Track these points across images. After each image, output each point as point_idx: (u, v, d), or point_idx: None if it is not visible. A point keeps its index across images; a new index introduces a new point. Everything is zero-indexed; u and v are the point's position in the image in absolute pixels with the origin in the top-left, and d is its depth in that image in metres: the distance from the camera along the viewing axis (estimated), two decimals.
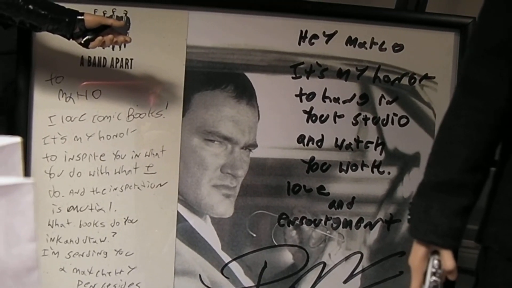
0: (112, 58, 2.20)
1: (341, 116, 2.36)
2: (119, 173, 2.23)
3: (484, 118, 1.38)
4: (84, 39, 1.89)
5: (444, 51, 2.41)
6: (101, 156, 2.22)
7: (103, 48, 1.97)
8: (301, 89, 2.33)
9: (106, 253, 2.26)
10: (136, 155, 2.24)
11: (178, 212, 2.29)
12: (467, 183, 1.39)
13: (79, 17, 1.86)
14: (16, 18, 1.82)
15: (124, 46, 2.12)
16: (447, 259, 1.40)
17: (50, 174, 2.19)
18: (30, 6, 1.81)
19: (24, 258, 0.95)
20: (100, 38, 1.90)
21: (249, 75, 2.30)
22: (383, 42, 2.36)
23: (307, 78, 2.33)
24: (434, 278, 1.41)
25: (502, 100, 1.37)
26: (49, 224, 2.21)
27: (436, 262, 1.42)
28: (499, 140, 1.43)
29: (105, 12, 2.15)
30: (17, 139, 0.96)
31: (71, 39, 1.90)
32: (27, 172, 2.18)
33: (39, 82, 2.17)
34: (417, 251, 1.43)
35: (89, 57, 2.17)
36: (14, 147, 0.96)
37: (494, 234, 1.44)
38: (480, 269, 1.50)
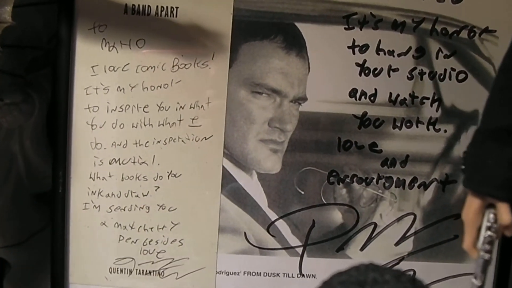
0: (157, 7, 2.12)
1: (395, 70, 2.24)
2: (163, 125, 2.17)
3: None
4: None
5: (507, 3, 2.26)
6: (144, 107, 2.16)
7: None
8: (353, 40, 2.22)
9: (149, 208, 2.21)
10: (181, 107, 2.17)
11: (223, 167, 2.22)
12: None
13: None
14: None
15: None
16: (504, 213, 1.29)
17: (92, 125, 2.15)
18: None
19: None
20: None
21: (300, 26, 2.19)
22: None
23: (360, 30, 2.21)
24: (489, 233, 1.31)
25: None
26: (90, 177, 2.17)
27: (492, 216, 1.31)
28: None
29: None
30: None
31: None
32: (68, 123, 2.14)
33: (81, 31, 2.11)
34: (471, 204, 1.33)
35: (133, 5, 2.11)
36: None
37: None
38: None
